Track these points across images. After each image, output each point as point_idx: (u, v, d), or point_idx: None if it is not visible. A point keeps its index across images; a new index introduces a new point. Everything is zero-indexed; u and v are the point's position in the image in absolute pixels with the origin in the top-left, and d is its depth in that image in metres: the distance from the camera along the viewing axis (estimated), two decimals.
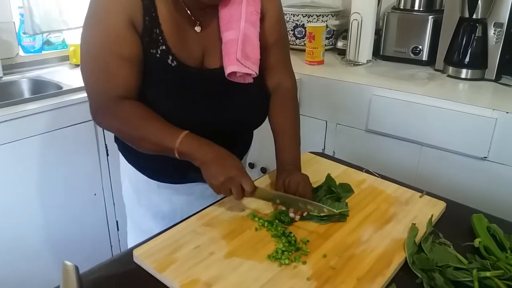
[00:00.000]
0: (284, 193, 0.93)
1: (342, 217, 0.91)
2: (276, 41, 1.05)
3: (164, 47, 0.91)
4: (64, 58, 2.15)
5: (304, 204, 0.88)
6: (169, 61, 0.92)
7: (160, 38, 0.91)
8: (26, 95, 1.88)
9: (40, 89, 1.83)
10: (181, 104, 0.94)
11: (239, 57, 0.93)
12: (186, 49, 0.95)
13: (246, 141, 1.16)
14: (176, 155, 0.87)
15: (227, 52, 0.95)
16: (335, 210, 0.87)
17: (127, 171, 1.12)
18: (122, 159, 1.13)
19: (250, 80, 0.97)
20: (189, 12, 0.95)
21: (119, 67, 0.88)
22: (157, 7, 0.90)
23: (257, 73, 0.98)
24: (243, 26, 0.95)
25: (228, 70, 0.94)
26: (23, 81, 1.91)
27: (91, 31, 0.90)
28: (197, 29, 0.97)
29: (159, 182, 1.07)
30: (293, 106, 1.09)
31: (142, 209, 1.12)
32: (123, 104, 0.90)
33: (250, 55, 0.96)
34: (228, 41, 0.95)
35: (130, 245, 1.14)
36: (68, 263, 0.73)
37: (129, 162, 1.09)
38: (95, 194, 1.81)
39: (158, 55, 0.91)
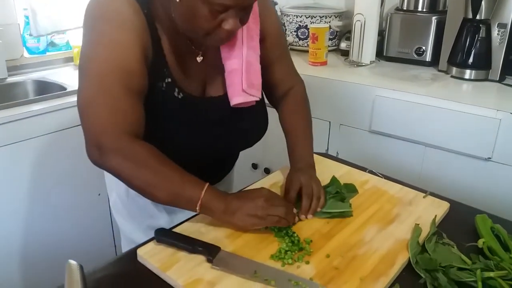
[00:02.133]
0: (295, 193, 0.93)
1: (346, 214, 0.92)
2: (280, 55, 1.05)
3: (169, 80, 0.88)
4: (68, 60, 2.16)
5: (288, 278, 0.74)
6: (176, 94, 0.89)
7: (165, 70, 0.88)
8: (31, 96, 1.90)
9: (45, 90, 1.85)
10: (189, 134, 0.92)
11: (245, 88, 0.92)
12: (189, 79, 0.93)
13: (237, 155, 1.17)
14: (197, 208, 0.80)
15: (231, 82, 0.93)
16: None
17: (114, 184, 1.07)
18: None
19: (253, 103, 0.96)
20: (189, 42, 0.91)
21: (129, 102, 0.80)
22: (161, 38, 0.87)
23: (260, 97, 0.97)
24: (245, 53, 0.92)
25: (233, 101, 0.93)
26: (27, 82, 1.92)
27: (99, 62, 0.80)
28: (199, 59, 0.94)
29: None
30: (305, 107, 1.10)
31: (135, 223, 1.08)
32: (133, 144, 0.79)
33: (254, 82, 0.94)
34: (232, 71, 0.93)
35: None
36: (73, 262, 0.73)
37: None
38: (99, 194, 1.82)
39: (163, 88, 0.88)
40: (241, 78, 0.92)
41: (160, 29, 0.86)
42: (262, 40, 0.99)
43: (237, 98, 0.93)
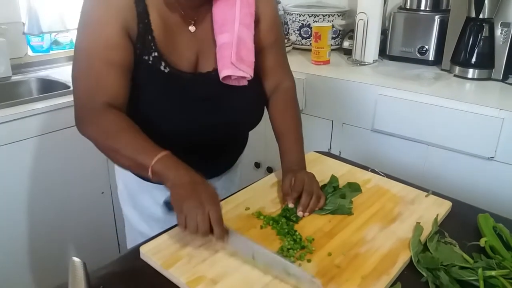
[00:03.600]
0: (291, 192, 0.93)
1: (345, 210, 0.93)
2: (273, 43, 1.05)
3: (156, 54, 0.91)
4: (72, 58, 2.16)
5: (283, 266, 0.73)
6: (162, 68, 0.91)
7: (152, 44, 0.90)
8: (35, 94, 1.91)
9: (48, 88, 1.85)
10: (176, 109, 0.93)
11: (233, 60, 0.93)
12: (179, 54, 0.94)
13: (240, 143, 1.16)
14: (149, 174, 0.81)
15: (222, 56, 0.94)
16: (314, 279, 0.71)
17: (120, 172, 1.12)
18: None
19: (245, 83, 0.97)
20: (182, 12, 0.94)
21: (107, 73, 0.87)
22: (150, 13, 0.90)
23: (252, 76, 0.97)
24: (237, 28, 0.94)
25: (222, 73, 0.94)
26: (31, 80, 1.93)
27: (84, 38, 0.89)
28: (191, 28, 0.96)
29: (152, 184, 1.02)
30: (294, 106, 1.10)
31: (136, 211, 1.12)
32: (107, 114, 0.86)
33: (244, 58, 0.95)
34: (223, 44, 0.95)
35: (129, 247, 1.10)
36: (76, 259, 0.74)
37: None
38: (102, 193, 1.83)
39: (150, 62, 0.91)
40: (230, 51, 0.93)
41: (151, 5, 0.90)
42: (256, 23, 1.00)
43: (225, 70, 0.93)
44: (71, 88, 1.71)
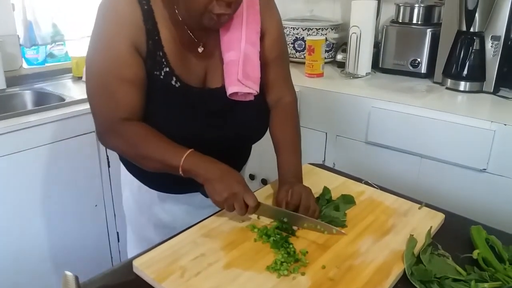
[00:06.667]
0: (286, 205, 0.94)
1: (339, 222, 0.93)
2: (276, 58, 1.07)
3: (167, 69, 0.94)
4: (67, 71, 2.17)
5: (315, 224, 0.90)
6: (173, 82, 0.95)
7: (163, 60, 0.93)
8: (29, 107, 1.90)
9: (43, 101, 1.85)
10: (184, 122, 0.96)
11: (240, 77, 0.96)
12: (189, 70, 0.98)
13: (245, 154, 1.18)
14: (180, 173, 0.88)
15: (229, 73, 0.98)
16: (343, 232, 0.89)
17: (127, 181, 1.14)
18: (123, 169, 1.14)
19: (251, 98, 1.00)
20: (191, 35, 0.97)
21: (122, 90, 0.91)
22: (160, 30, 0.93)
23: (258, 91, 1.00)
24: (243, 46, 0.98)
25: (229, 90, 0.97)
26: (26, 93, 1.93)
27: (96, 56, 0.93)
28: (200, 49, 0.99)
29: (159, 192, 1.08)
30: (293, 120, 1.11)
31: (143, 218, 1.14)
32: (127, 125, 0.92)
33: (250, 75, 0.98)
34: (229, 62, 0.98)
35: (130, 254, 1.16)
36: (69, 273, 0.73)
37: (130, 172, 1.11)
38: (96, 205, 1.81)
39: (162, 77, 0.94)
40: (237, 68, 0.97)
41: (161, 22, 0.93)
42: (261, 38, 1.03)
43: (232, 87, 0.97)
44: (66, 101, 1.74)
